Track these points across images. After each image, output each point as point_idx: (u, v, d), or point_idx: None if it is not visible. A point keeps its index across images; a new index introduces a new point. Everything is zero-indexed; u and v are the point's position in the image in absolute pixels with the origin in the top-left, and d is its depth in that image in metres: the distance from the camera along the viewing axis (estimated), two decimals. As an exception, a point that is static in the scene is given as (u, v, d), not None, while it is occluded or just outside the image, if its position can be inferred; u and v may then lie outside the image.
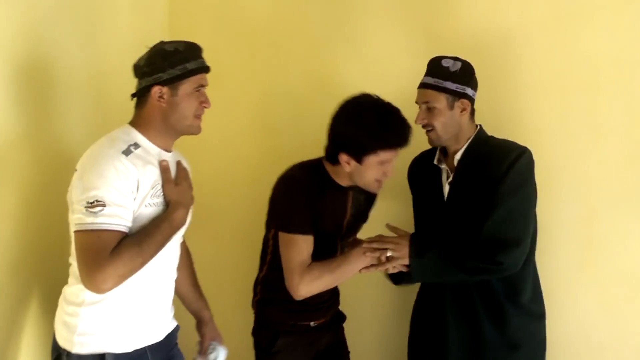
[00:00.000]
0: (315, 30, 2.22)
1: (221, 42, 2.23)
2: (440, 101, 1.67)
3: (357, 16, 2.17)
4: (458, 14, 2.06)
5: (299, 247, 1.66)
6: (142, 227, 1.43)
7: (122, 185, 1.38)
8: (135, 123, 1.53)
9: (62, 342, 1.47)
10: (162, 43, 1.53)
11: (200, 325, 1.82)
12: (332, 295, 1.88)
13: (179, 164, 1.59)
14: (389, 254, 1.64)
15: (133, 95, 1.54)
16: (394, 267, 1.66)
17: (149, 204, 1.46)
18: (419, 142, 1.72)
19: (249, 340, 1.85)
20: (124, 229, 1.39)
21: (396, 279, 1.79)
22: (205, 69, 1.54)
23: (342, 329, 1.95)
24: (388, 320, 2.22)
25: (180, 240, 1.67)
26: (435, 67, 1.69)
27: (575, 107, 1.94)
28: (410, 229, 1.82)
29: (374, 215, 1.89)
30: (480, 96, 1.80)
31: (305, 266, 1.66)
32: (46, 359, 1.55)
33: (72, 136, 1.77)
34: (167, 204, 1.50)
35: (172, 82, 1.48)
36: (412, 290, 1.93)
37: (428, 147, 1.81)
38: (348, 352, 1.96)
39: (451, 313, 1.73)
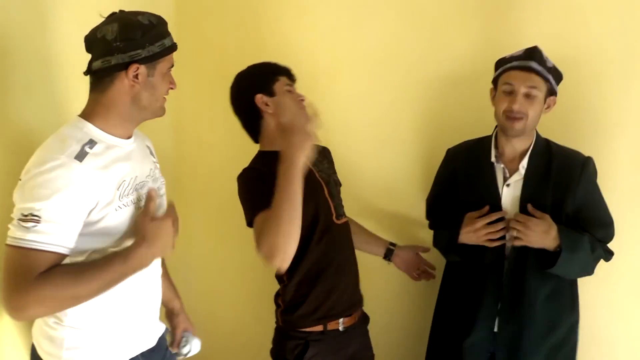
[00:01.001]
0: (322, 22, 2.14)
1: (228, 35, 2.16)
2: (543, 90, 1.62)
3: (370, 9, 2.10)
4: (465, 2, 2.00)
5: (265, 220, 1.52)
6: (96, 254, 1.26)
7: (71, 201, 1.20)
8: (90, 113, 1.33)
9: (47, 358, 1.35)
10: (129, 13, 1.33)
11: (170, 315, 1.72)
12: (357, 286, 1.82)
13: (170, 207, 1.41)
14: (515, 234, 1.62)
15: (94, 73, 1.32)
16: None
17: (120, 207, 1.31)
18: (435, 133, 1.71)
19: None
20: (61, 250, 1.21)
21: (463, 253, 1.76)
22: (176, 47, 1.40)
23: (367, 331, 1.88)
24: (409, 320, 2.20)
25: None
26: (539, 56, 1.61)
27: (581, 106, 1.91)
28: (411, 223, 1.86)
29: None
30: (484, 94, 1.78)
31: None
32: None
33: (34, 125, 1.56)
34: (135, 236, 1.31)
35: (151, 60, 1.31)
36: (433, 288, 1.93)
37: (448, 138, 1.83)
38: (373, 355, 1.90)
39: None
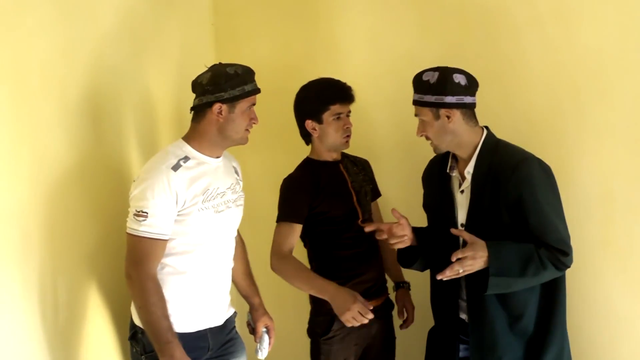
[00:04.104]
0: (345, 42, 2.39)
1: (263, 57, 2.43)
2: (426, 114, 1.74)
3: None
4: (467, 7, 2.17)
5: (280, 232, 1.96)
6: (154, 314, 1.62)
7: (167, 198, 1.62)
8: (189, 136, 1.76)
9: (138, 321, 1.70)
10: (222, 65, 1.75)
11: (251, 310, 2.01)
12: (379, 278, 2.07)
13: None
14: (464, 269, 1.64)
15: (192, 109, 1.76)
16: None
17: (202, 208, 1.70)
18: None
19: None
20: (162, 237, 1.64)
21: (406, 262, 1.88)
22: (258, 91, 1.77)
23: (391, 316, 2.13)
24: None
25: (235, 234, 1.89)
26: (417, 82, 1.76)
27: (589, 90, 2.00)
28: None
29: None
30: (492, 91, 1.95)
31: (282, 249, 1.94)
32: (124, 335, 1.83)
33: (129, 150, 2.04)
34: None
35: (232, 100, 1.70)
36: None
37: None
38: (395, 338, 2.12)
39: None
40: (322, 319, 2.00)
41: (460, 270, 1.65)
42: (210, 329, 1.77)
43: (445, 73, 1.72)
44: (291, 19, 2.52)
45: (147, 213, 1.60)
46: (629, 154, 1.98)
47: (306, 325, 2.08)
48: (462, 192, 1.80)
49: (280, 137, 2.47)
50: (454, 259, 1.64)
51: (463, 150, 1.77)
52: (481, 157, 1.74)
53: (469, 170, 1.76)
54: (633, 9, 1.94)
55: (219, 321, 1.81)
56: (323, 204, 1.97)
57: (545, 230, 1.67)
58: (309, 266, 2.08)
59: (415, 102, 1.77)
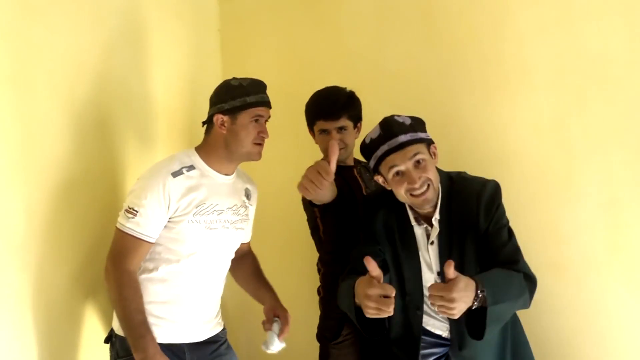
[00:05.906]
0: (349, 54, 2.39)
1: (268, 68, 2.43)
2: (424, 150, 1.52)
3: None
4: (472, 12, 2.17)
5: None
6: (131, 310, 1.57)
7: (158, 202, 1.60)
8: (200, 148, 1.75)
9: (114, 324, 1.69)
10: (231, 79, 1.75)
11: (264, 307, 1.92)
12: None
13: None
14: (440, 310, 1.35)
15: (203, 123, 1.77)
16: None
17: (192, 221, 1.65)
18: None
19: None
20: (147, 239, 1.62)
21: (373, 332, 1.53)
22: (265, 104, 1.72)
23: None
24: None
25: (232, 256, 1.84)
26: (397, 125, 1.52)
27: (594, 95, 1.98)
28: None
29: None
30: (497, 97, 1.96)
31: None
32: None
33: (134, 156, 2.04)
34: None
35: (232, 112, 1.68)
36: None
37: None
38: None
39: None
40: (331, 323, 1.94)
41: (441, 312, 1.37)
42: (188, 343, 1.71)
43: (408, 117, 1.57)
44: (297, 25, 2.54)
45: (136, 212, 1.60)
46: (634, 159, 1.96)
47: (314, 331, 2.05)
48: (432, 243, 1.58)
49: (285, 142, 2.48)
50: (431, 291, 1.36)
51: (435, 195, 1.55)
52: (445, 197, 1.55)
53: (437, 216, 1.56)
54: (638, 14, 1.93)
55: (198, 337, 1.74)
56: (340, 204, 1.89)
57: (517, 255, 1.54)
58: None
59: (411, 142, 1.50)
